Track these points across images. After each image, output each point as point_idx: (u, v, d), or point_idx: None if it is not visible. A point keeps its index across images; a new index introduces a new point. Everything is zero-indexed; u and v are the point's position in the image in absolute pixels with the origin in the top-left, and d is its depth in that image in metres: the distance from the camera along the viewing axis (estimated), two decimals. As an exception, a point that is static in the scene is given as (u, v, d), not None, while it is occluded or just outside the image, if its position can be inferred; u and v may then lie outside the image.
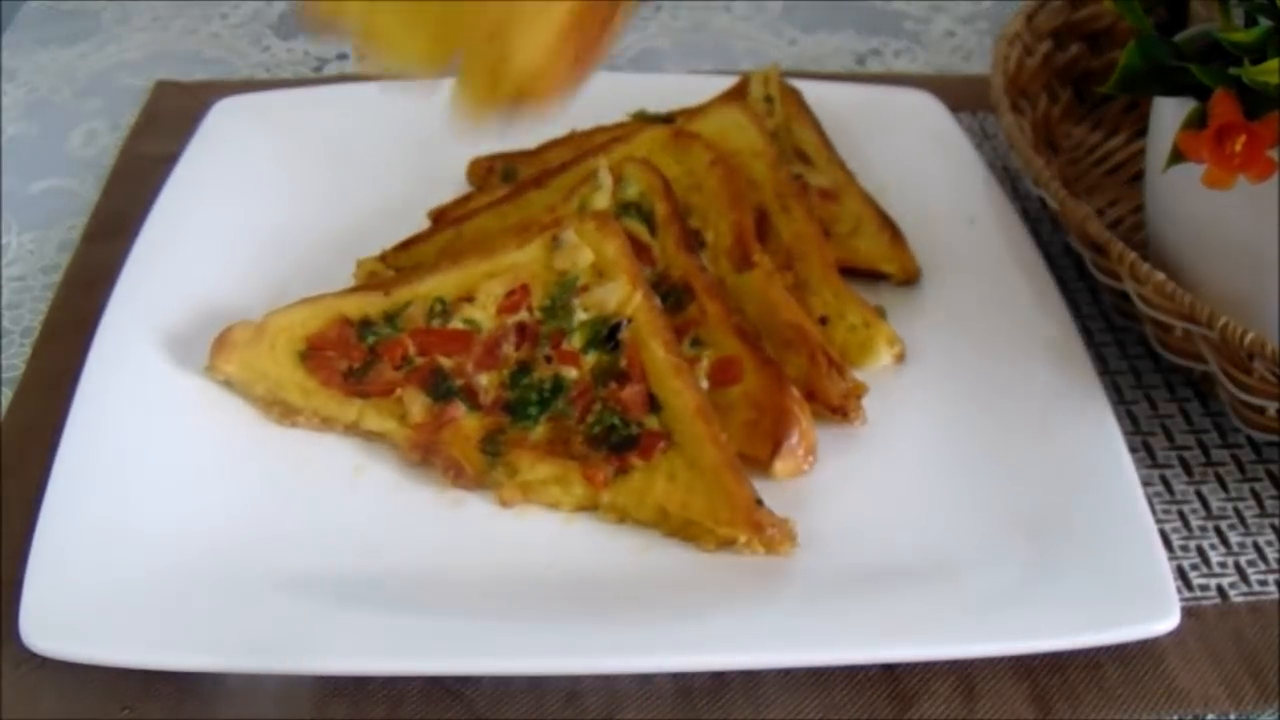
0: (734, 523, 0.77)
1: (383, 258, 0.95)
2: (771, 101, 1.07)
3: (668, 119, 1.03)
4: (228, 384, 0.83)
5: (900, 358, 0.92)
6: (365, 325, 0.84)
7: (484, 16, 0.63)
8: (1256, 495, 0.87)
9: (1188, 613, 0.77)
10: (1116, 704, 0.74)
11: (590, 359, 0.83)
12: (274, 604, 0.73)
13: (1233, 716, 0.74)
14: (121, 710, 0.71)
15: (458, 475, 0.80)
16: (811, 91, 1.11)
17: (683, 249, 0.89)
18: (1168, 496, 0.87)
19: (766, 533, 0.77)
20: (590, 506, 0.80)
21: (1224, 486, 0.88)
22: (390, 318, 0.85)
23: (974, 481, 0.83)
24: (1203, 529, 0.85)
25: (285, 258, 0.94)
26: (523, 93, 0.64)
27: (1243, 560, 0.83)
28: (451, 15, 0.64)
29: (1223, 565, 0.83)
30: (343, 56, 1.30)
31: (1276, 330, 0.82)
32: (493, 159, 1.05)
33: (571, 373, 0.82)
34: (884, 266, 0.98)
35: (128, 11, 1.35)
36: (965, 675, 0.74)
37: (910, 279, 0.98)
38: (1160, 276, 0.83)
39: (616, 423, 0.81)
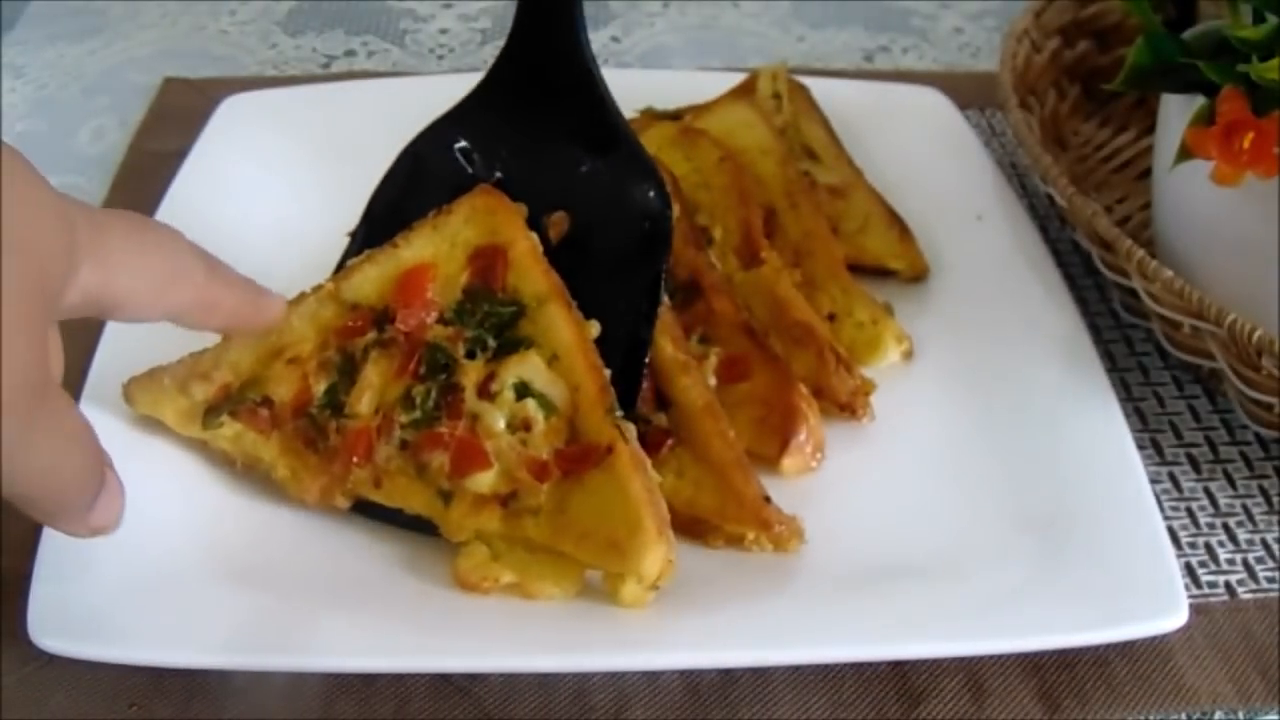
0: (742, 520, 0.77)
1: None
2: (779, 98, 1.07)
3: (675, 116, 1.03)
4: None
5: (908, 355, 0.92)
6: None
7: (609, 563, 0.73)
8: (1265, 492, 0.87)
9: (1196, 610, 0.76)
10: (1124, 701, 0.74)
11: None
12: (282, 602, 0.73)
13: (1241, 714, 0.74)
14: (129, 708, 0.71)
15: None
16: (819, 88, 1.10)
17: (690, 246, 0.88)
18: (1176, 494, 0.87)
19: (774, 530, 0.77)
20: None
21: (1232, 484, 0.88)
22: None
23: (982, 478, 0.83)
24: (1211, 526, 0.85)
25: (293, 254, 0.93)
26: (658, 585, 0.73)
27: (1251, 557, 0.83)
28: (584, 557, 0.74)
29: (1231, 562, 0.83)
30: (350, 54, 1.30)
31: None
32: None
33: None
34: (892, 263, 0.97)
35: (136, 8, 1.35)
36: (974, 673, 0.74)
37: (918, 276, 0.98)
38: (1168, 273, 0.83)
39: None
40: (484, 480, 0.76)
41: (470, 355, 0.79)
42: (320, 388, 0.80)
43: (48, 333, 0.58)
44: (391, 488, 0.77)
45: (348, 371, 0.80)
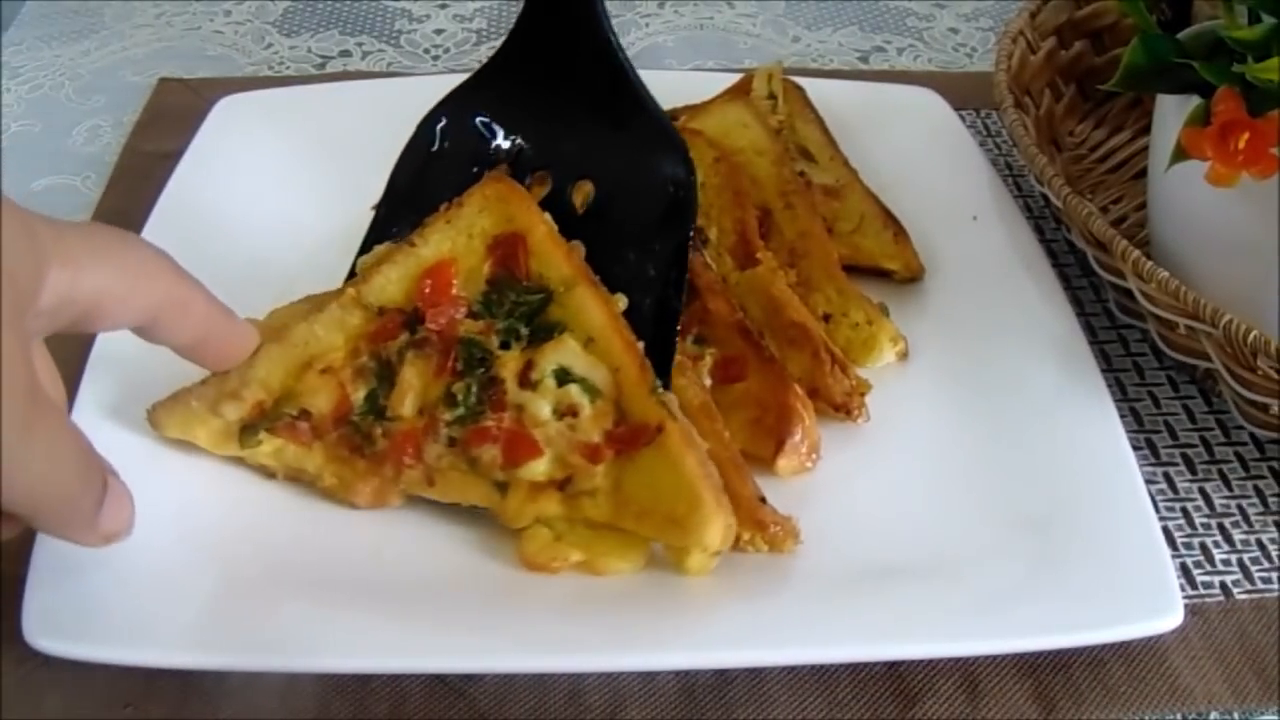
0: (738, 520, 0.77)
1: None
2: (775, 99, 1.07)
3: (671, 116, 1.03)
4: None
5: (903, 355, 0.91)
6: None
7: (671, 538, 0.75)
8: (1260, 493, 0.87)
9: (1191, 610, 0.77)
10: (1120, 702, 0.74)
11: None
12: (277, 602, 0.73)
13: (1236, 714, 0.74)
14: (125, 709, 0.71)
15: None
16: (815, 89, 1.10)
17: (686, 246, 0.89)
18: (1171, 494, 0.87)
19: (769, 531, 0.77)
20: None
21: (1227, 484, 0.88)
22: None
23: (977, 479, 0.83)
24: (1206, 526, 0.85)
25: (289, 255, 0.94)
26: (720, 550, 0.74)
27: (1246, 558, 0.83)
28: (647, 533, 0.75)
29: (1226, 563, 0.83)
30: (345, 54, 1.30)
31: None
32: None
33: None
34: (887, 264, 0.97)
35: (131, 8, 1.35)
36: (969, 673, 0.75)
37: (913, 276, 0.98)
38: (1164, 274, 0.83)
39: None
40: (537, 468, 0.76)
41: (505, 346, 0.79)
42: (359, 395, 0.80)
43: (30, 341, 0.59)
44: (446, 485, 0.78)
45: (385, 376, 0.80)
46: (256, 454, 0.79)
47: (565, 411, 0.77)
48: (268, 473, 0.80)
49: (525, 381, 0.78)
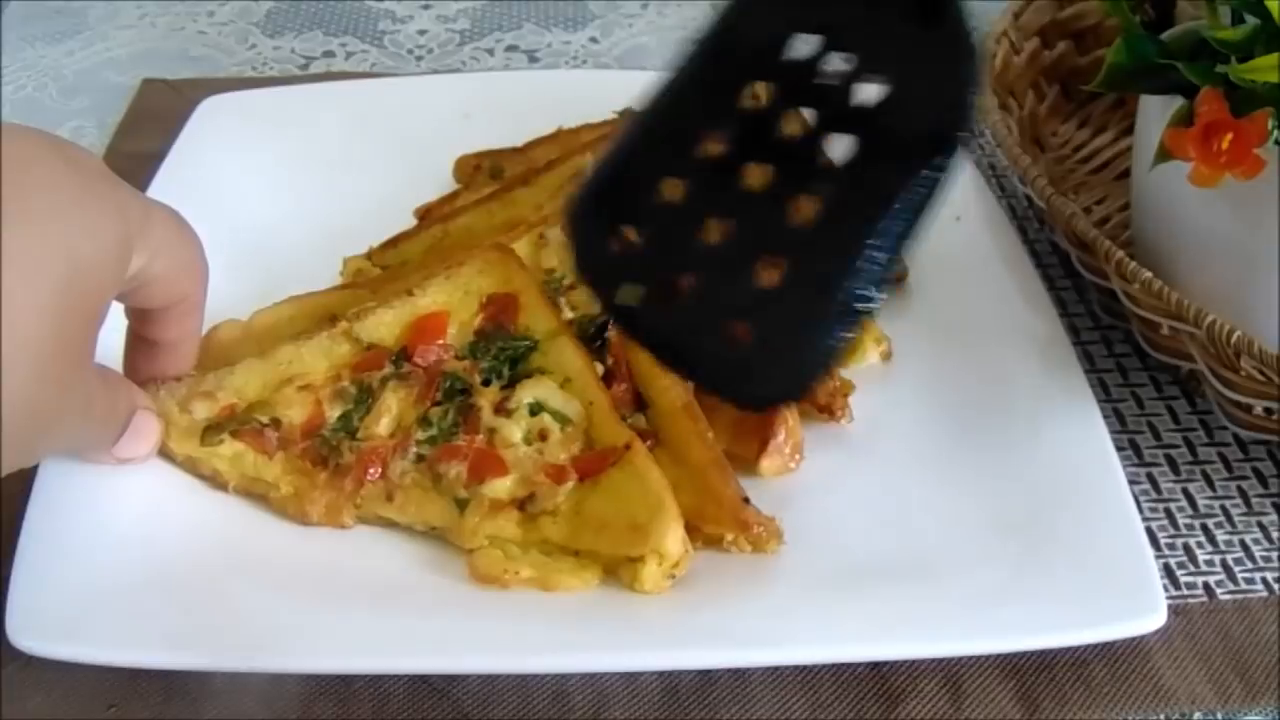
0: (720, 521, 0.77)
1: (369, 255, 0.95)
2: (758, 100, 1.07)
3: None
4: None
5: (887, 356, 0.91)
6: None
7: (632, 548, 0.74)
8: (1243, 493, 0.87)
9: (1175, 611, 0.77)
10: (1103, 702, 0.74)
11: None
12: (260, 603, 0.72)
13: (1219, 715, 0.75)
14: (108, 709, 0.71)
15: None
16: (799, 89, 1.10)
17: (669, 247, 0.89)
18: (1154, 495, 0.87)
19: (753, 531, 0.77)
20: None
21: (1211, 485, 0.88)
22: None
23: (961, 479, 0.83)
24: (1190, 527, 0.85)
25: (272, 256, 0.93)
26: (675, 573, 0.74)
27: (1230, 558, 0.83)
28: (604, 548, 0.75)
29: (1210, 563, 0.83)
30: (329, 54, 1.30)
31: (1263, 328, 0.82)
32: (480, 157, 1.04)
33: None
34: (871, 264, 0.97)
35: (114, 9, 1.34)
36: (952, 674, 0.75)
37: (897, 277, 0.97)
38: (1147, 274, 0.83)
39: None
40: (501, 486, 0.77)
41: (486, 383, 0.81)
42: (334, 413, 0.81)
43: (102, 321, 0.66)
44: (405, 500, 0.78)
45: (363, 400, 0.81)
46: (213, 456, 0.79)
47: (535, 437, 0.79)
48: (219, 481, 0.80)
49: (500, 410, 0.79)
